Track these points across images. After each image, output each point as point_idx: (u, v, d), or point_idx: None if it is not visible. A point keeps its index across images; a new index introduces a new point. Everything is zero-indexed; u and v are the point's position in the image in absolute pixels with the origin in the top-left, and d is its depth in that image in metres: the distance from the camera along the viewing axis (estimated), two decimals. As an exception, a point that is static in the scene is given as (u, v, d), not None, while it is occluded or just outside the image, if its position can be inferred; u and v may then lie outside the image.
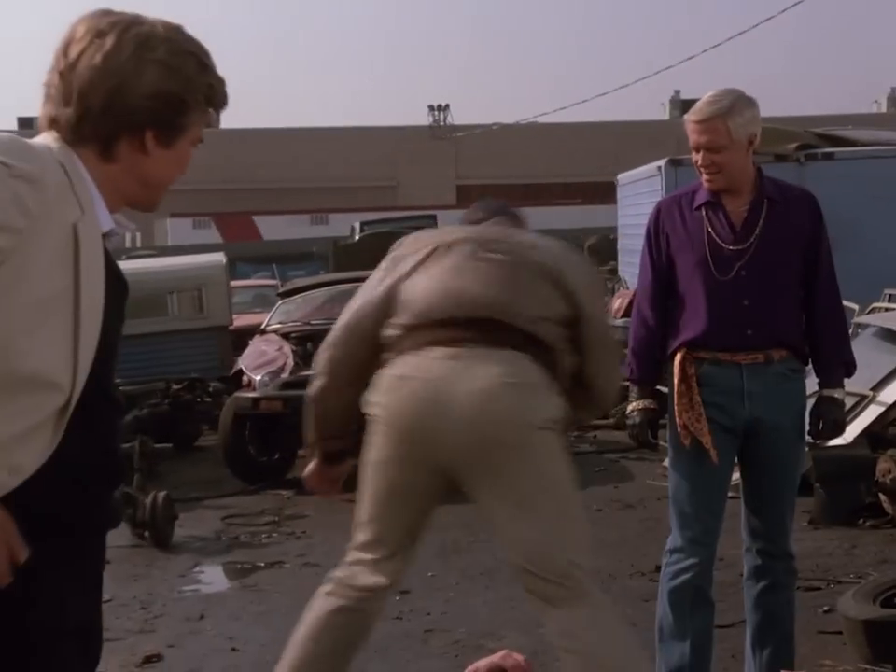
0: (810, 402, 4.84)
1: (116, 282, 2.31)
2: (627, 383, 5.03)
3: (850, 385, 8.63)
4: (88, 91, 2.26)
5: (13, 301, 2.12)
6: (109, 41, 2.27)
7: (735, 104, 4.59)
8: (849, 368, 4.84)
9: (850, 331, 10.46)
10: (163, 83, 2.30)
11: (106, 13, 2.32)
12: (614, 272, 22.02)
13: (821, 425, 4.78)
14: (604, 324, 4.45)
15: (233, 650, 6.07)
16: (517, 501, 3.89)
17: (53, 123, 2.30)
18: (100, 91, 2.26)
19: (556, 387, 4.09)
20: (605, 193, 26.59)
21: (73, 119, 2.28)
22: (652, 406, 4.89)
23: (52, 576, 2.21)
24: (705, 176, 4.68)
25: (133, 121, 2.30)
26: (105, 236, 2.30)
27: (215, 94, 2.41)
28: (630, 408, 4.95)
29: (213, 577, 7.61)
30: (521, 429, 3.87)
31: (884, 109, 58.61)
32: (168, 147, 2.36)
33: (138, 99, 2.28)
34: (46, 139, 2.30)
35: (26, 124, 50.59)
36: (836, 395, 4.78)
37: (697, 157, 4.67)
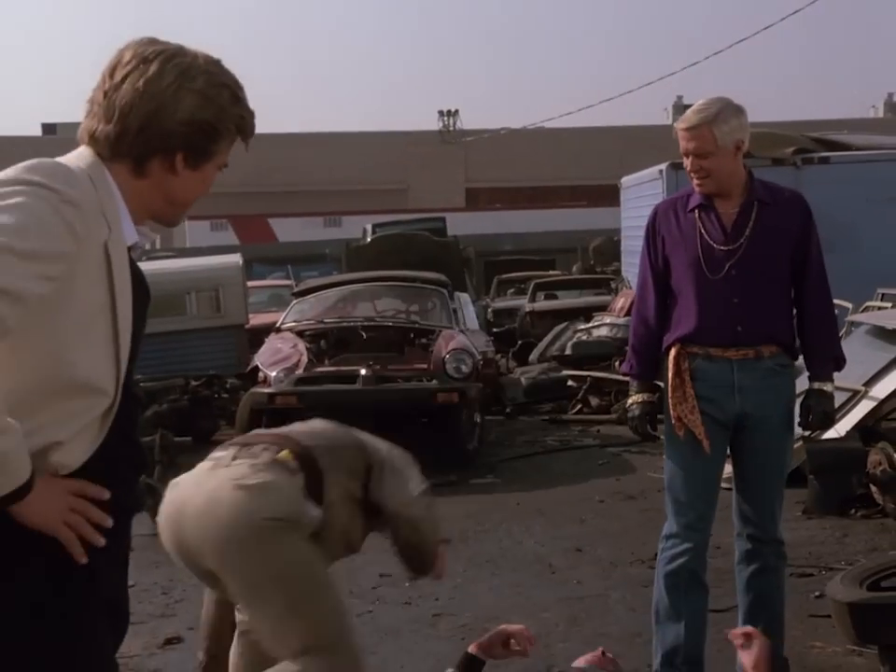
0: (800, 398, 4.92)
1: (140, 290, 2.43)
2: (627, 378, 5.12)
3: (844, 380, 8.77)
4: (128, 111, 2.36)
5: (64, 318, 2.24)
6: (153, 68, 2.37)
7: (721, 112, 4.65)
8: (839, 362, 4.91)
9: (845, 329, 10.56)
10: (199, 111, 2.40)
11: (153, 42, 2.42)
12: (618, 272, 22.07)
13: (811, 416, 4.86)
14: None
15: (250, 632, 6.14)
16: (244, 596, 3.76)
17: (92, 137, 2.39)
18: (140, 113, 2.36)
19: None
20: (609, 196, 26.57)
21: (112, 135, 2.37)
22: (651, 399, 4.96)
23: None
24: (695, 181, 4.75)
25: (167, 143, 2.39)
26: (130, 248, 2.41)
27: (245, 125, 2.51)
28: (630, 401, 5.02)
29: None
30: (240, 528, 3.61)
31: (881, 114, 58.44)
32: (195, 170, 2.45)
33: (174, 124, 2.38)
34: (81, 154, 2.39)
35: (49, 130, 50.71)
36: (826, 388, 4.85)
37: (687, 162, 4.74)
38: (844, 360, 4.94)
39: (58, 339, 2.24)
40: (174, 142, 2.39)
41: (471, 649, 4.26)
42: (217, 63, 2.45)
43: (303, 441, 3.88)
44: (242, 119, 2.48)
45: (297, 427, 4.07)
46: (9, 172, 2.24)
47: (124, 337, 2.34)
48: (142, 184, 2.41)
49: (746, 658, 3.93)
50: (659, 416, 4.99)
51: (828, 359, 4.89)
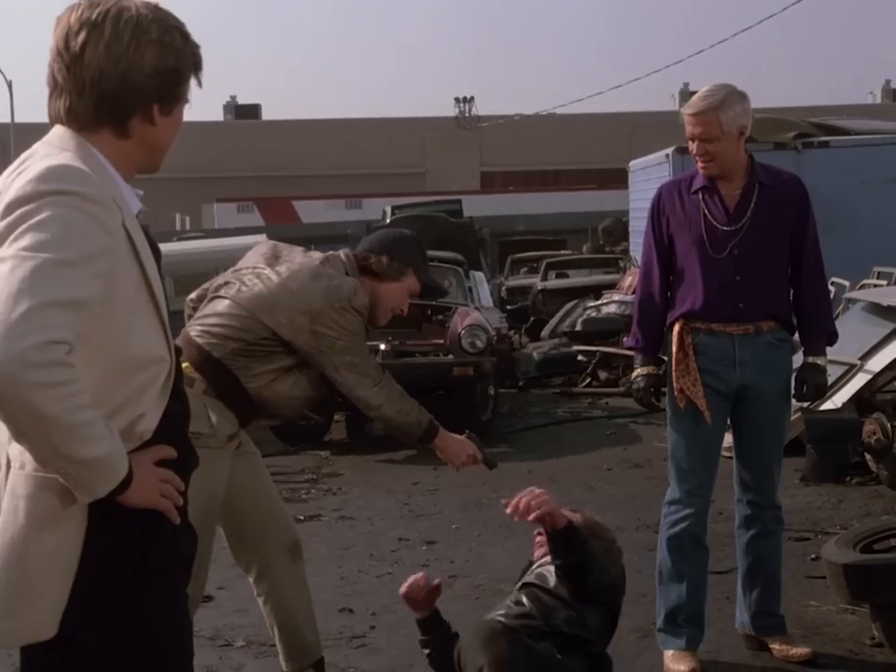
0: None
1: (155, 253, 2.43)
2: (633, 352, 5.14)
3: (841, 354, 8.78)
4: (99, 78, 2.31)
5: (116, 305, 2.24)
6: (107, 31, 2.31)
7: (727, 98, 4.66)
8: (831, 337, 4.93)
9: (842, 306, 10.55)
10: (162, 60, 2.35)
11: (91, 4, 2.34)
12: (626, 252, 22.03)
13: (805, 388, 4.88)
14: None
15: (276, 592, 6.19)
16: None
17: (69, 113, 2.34)
18: (110, 77, 2.31)
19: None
20: (618, 179, 26.51)
21: (91, 106, 2.33)
22: (656, 372, 4.98)
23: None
24: (699, 164, 4.76)
25: (142, 98, 2.35)
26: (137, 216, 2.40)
27: (198, 60, 2.45)
28: (635, 374, 5.03)
29: None
30: None
31: (878, 100, 58.09)
32: (169, 115, 2.41)
33: (144, 79, 2.34)
34: (62, 139, 2.35)
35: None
36: (819, 361, 4.87)
37: (693, 146, 4.75)
38: (836, 335, 4.96)
39: (115, 325, 2.25)
40: (147, 96, 2.35)
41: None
42: (157, 7, 2.39)
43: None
44: (194, 55, 2.44)
45: None
46: (26, 188, 2.19)
47: (161, 301, 2.36)
48: (127, 144, 2.37)
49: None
50: (663, 389, 5.02)
51: (821, 335, 4.91)
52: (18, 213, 2.16)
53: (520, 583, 4.13)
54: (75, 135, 2.34)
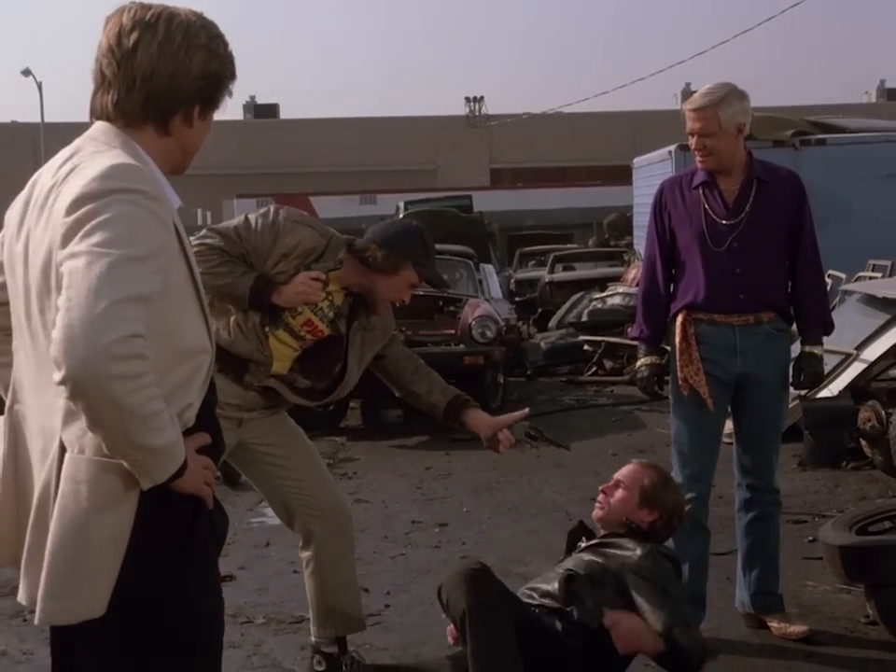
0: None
1: (185, 250, 2.41)
2: (637, 342, 5.13)
3: (837, 344, 8.75)
4: (150, 75, 2.33)
5: (168, 298, 2.25)
6: (161, 31, 2.33)
7: (727, 96, 4.65)
8: (827, 328, 4.92)
9: (838, 297, 10.53)
10: (208, 64, 2.38)
11: (143, 6, 2.37)
12: (630, 245, 21.98)
13: (802, 377, 4.87)
14: None
15: (295, 572, 6.18)
16: None
17: (117, 108, 2.35)
18: (161, 75, 2.33)
19: None
20: (622, 175, 26.41)
21: (139, 101, 2.34)
22: (658, 362, 4.97)
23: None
24: (698, 158, 4.75)
25: (186, 99, 2.37)
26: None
27: (234, 70, 2.48)
28: (639, 363, 5.03)
29: None
30: None
31: (874, 99, 57.81)
32: (205, 119, 2.44)
33: (190, 80, 2.36)
34: (108, 135, 2.35)
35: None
36: (816, 351, 4.86)
37: (692, 141, 4.74)
38: (832, 326, 4.95)
39: (168, 318, 2.26)
40: (191, 97, 2.37)
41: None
42: (203, 16, 2.42)
43: None
44: (233, 63, 2.46)
45: None
46: (92, 185, 2.20)
47: (203, 294, 2.38)
48: (167, 142, 2.39)
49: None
50: (665, 378, 5.02)
51: (818, 325, 4.90)
52: (86, 209, 2.17)
53: (569, 563, 4.03)
54: (119, 133, 2.35)
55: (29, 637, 5.18)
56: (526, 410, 4.43)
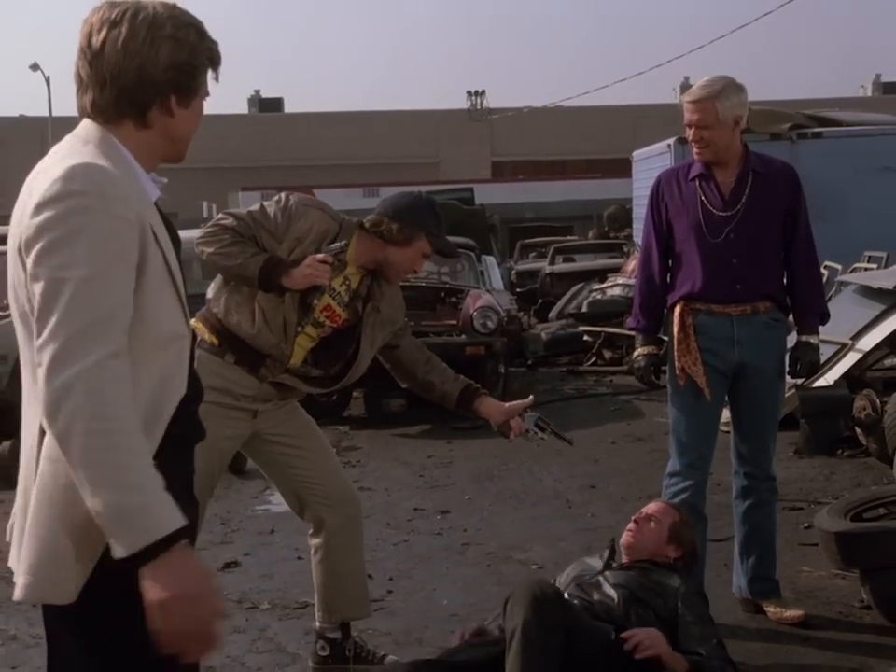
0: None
1: (174, 237, 2.43)
2: (634, 332, 5.14)
3: (833, 334, 8.75)
4: (117, 73, 2.32)
5: (145, 289, 2.25)
6: (125, 28, 2.32)
7: (725, 89, 4.65)
8: (823, 317, 4.92)
9: (834, 288, 10.53)
10: (176, 55, 2.36)
11: (112, 4, 2.37)
12: (629, 237, 21.96)
13: (799, 366, 4.87)
14: None
15: (299, 558, 6.20)
16: None
17: (94, 107, 2.36)
18: (128, 72, 2.33)
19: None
20: (622, 168, 26.38)
21: (112, 99, 2.34)
22: (656, 352, 4.97)
23: (169, 479, 2.28)
24: (695, 149, 4.74)
25: (159, 91, 2.36)
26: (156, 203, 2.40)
27: (214, 55, 2.45)
28: (636, 353, 5.04)
29: (281, 499, 7.60)
30: None
31: (869, 93, 57.69)
32: (187, 107, 2.41)
33: (159, 72, 2.34)
34: (88, 132, 2.36)
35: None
36: (812, 340, 4.86)
37: (689, 132, 4.73)
38: (828, 315, 4.95)
39: (146, 308, 2.26)
40: (163, 88, 2.36)
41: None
42: (174, 6, 2.41)
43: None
44: (210, 50, 2.43)
45: None
46: (51, 189, 2.19)
47: (179, 279, 2.37)
48: (148, 134, 2.38)
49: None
50: (662, 367, 5.02)
51: (814, 314, 4.90)
52: (45, 216, 2.17)
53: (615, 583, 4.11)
54: (99, 128, 2.36)
55: (38, 621, 5.17)
56: (531, 397, 4.47)
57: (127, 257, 2.22)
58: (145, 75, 2.33)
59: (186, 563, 2.12)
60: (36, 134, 44.84)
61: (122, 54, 2.32)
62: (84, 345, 2.11)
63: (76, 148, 2.31)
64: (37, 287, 2.15)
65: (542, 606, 3.60)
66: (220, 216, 4.22)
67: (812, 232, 4.86)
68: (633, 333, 5.21)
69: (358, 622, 4.65)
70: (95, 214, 2.19)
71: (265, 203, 4.26)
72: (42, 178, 2.25)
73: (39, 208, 2.19)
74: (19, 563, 2.27)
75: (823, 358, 8.78)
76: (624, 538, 4.36)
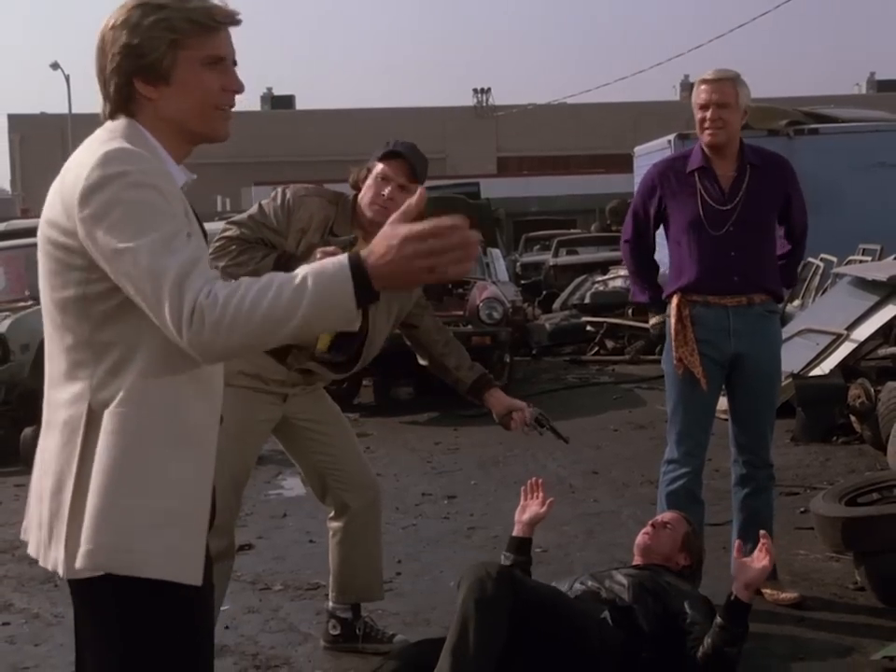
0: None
1: (202, 229, 2.40)
2: (641, 302, 5.16)
3: (828, 325, 8.75)
4: (103, 80, 2.34)
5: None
6: (103, 37, 2.33)
7: (740, 77, 4.69)
8: (789, 285, 5.21)
9: (830, 280, 10.52)
10: (118, 41, 2.30)
11: (120, 7, 2.36)
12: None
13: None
14: None
15: (311, 541, 6.23)
16: None
17: (107, 109, 2.36)
18: (105, 73, 2.32)
19: None
20: (624, 163, 26.29)
21: (107, 100, 2.35)
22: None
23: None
24: (708, 131, 4.67)
25: (124, 81, 2.31)
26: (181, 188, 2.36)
27: (175, 22, 2.31)
28: (652, 323, 5.08)
29: (293, 484, 7.65)
30: None
31: (864, 91, 57.51)
32: (168, 84, 2.31)
33: (116, 63, 2.30)
34: (113, 125, 2.34)
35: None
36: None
37: (705, 114, 4.66)
38: (795, 284, 5.00)
39: None
40: (124, 76, 2.31)
41: (515, 532, 4.35)
42: None
43: None
44: (167, 20, 2.31)
45: None
46: (93, 175, 2.17)
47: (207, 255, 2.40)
48: (147, 122, 2.33)
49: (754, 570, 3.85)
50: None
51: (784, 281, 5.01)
52: (98, 202, 2.15)
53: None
54: (125, 119, 2.34)
55: (60, 601, 5.21)
56: (525, 403, 4.53)
57: (181, 218, 2.22)
58: (112, 71, 2.33)
59: (386, 250, 2.06)
60: (57, 131, 44.90)
61: (100, 60, 2.34)
62: (190, 282, 2.06)
63: (104, 138, 2.30)
64: (120, 265, 2.12)
65: (483, 585, 3.62)
66: (224, 227, 4.20)
67: (807, 217, 4.89)
68: (635, 324, 5.23)
69: (366, 603, 4.66)
70: (141, 188, 2.17)
71: (263, 203, 4.24)
72: (77, 171, 2.22)
73: (86, 197, 2.16)
74: (61, 538, 2.18)
75: (819, 349, 8.81)
76: (641, 539, 4.38)
